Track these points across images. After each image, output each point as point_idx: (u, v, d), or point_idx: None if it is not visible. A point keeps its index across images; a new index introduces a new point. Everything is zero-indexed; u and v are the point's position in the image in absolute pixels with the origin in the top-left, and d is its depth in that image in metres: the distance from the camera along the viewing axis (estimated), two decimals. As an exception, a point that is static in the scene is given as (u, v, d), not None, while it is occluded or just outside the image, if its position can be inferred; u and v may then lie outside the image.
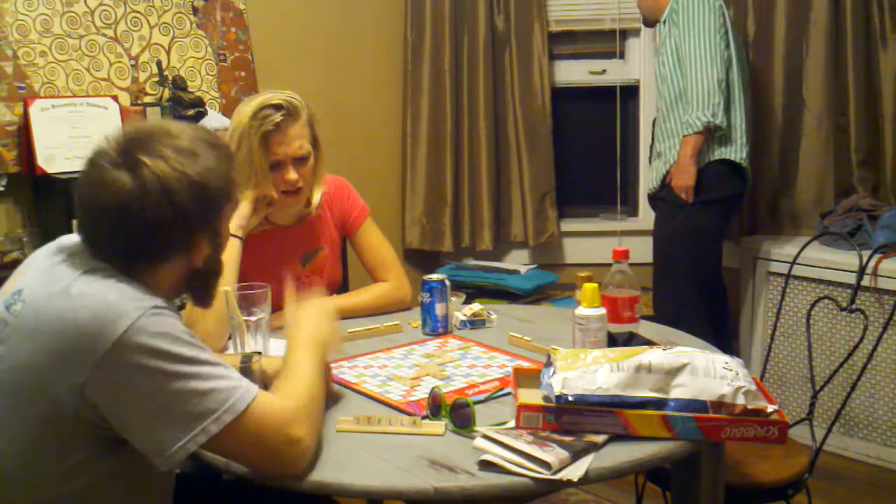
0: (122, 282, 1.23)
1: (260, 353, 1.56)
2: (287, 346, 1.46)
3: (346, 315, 2.04)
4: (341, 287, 2.31)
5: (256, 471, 1.28)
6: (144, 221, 1.23)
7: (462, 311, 2.07)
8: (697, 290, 3.06)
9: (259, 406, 1.23)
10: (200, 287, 1.40)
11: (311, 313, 1.52)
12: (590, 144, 4.00)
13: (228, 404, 1.20)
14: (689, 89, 2.94)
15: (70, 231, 1.36)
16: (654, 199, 3.20)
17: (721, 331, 3.19)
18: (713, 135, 2.97)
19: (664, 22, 3.10)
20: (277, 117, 1.93)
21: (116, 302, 1.19)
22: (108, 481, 1.25)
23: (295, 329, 1.48)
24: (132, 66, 3.02)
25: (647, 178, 3.25)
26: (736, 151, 3.01)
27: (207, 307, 1.45)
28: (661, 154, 3.10)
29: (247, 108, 1.96)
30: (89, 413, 1.18)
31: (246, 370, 1.45)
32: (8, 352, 1.22)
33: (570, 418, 1.38)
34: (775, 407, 1.40)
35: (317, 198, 2.09)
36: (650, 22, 3.26)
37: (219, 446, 1.22)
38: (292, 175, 1.98)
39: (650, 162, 3.28)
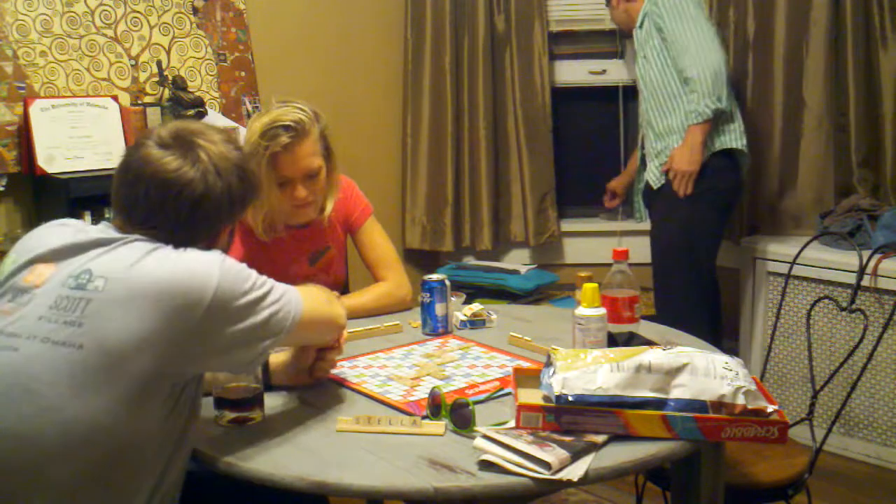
0: (185, 247, 1.37)
1: None
2: None
3: (349, 316, 2.05)
4: (343, 286, 2.31)
5: (319, 342, 1.60)
6: (193, 195, 1.37)
7: (462, 311, 2.07)
8: (699, 287, 3.06)
9: (307, 301, 1.45)
10: None
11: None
12: (590, 144, 4.00)
13: (293, 308, 1.40)
14: (692, 79, 2.92)
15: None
16: (651, 196, 3.19)
17: (716, 328, 3.18)
18: (717, 121, 2.97)
19: (640, 26, 3.11)
20: (285, 139, 1.93)
21: (199, 258, 1.33)
22: (160, 437, 1.31)
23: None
24: (132, 66, 3.02)
25: (646, 177, 3.22)
26: (736, 139, 3.01)
27: None
28: (662, 152, 3.09)
29: (257, 124, 1.96)
30: (184, 360, 1.30)
31: (264, 367, 1.56)
32: (98, 322, 1.26)
33: (570, 418, 1.38)
34: (775, 407, 1.40)
35: (330, 206, 2.10)
36: (626, 33, 3.30)
37: (289, 340, 1.46)
38: (301, 193, 1.99)
39: (641, 162, 3.28)
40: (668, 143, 3.06)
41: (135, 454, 1.28)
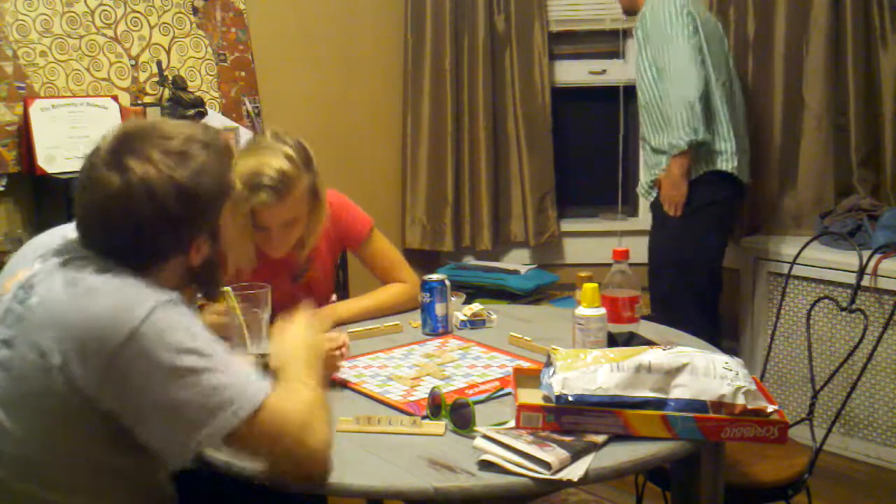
0: (136, 277, 1.24)
1: (266, 354, 1.56)
2: (279, 363, 1.41)
3: (370, 316, 2.10)
4: (338, 299, 2.30)
5: (274, 472, 1.26)
6: (130, 222, 1.25)
7: (462, 311, 2.07)
8: (694, 293, 3.04)
9: (274, 401, 1.22)
10: (204, 279, 1.43)
11: (296, 328, 1.48)
12: (590, 144, 4.00)
13: (243, 400, 1.19)
14: (668, 109, 2.88)
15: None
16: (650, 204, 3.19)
17: (712, 329, 3.17)
18: (699, 150, 2.91)
19: (638, 27, 3.02)
20: (265, 197, 1.86)
21: (133, 294, 1.20)
22: (114, 482, 1.26)
23: (283, 345, 1.44)
24: (132, 66, 3.02)
25: (637, 190, 3.22)
26: (726, 161, 2.94)
27: (215, 299, 1.53)
28: (655, 166, 3.03)
29: (242, 167, 1.82)
30: (102, 406, 1.19)
31: (264, 368, 1.49)
32: (23, 345, 1.22)
33: (570, 418, 1.38)
34: (775, 407, 1.40)
35: (311, 243, 2.05)
36: (630, 11, 3.15)
37: (234, 443, 1.21)
38: (276, 242, 1.96)
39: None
40: (660, 160, 2.99)
41: (69, 487, 1.24)
